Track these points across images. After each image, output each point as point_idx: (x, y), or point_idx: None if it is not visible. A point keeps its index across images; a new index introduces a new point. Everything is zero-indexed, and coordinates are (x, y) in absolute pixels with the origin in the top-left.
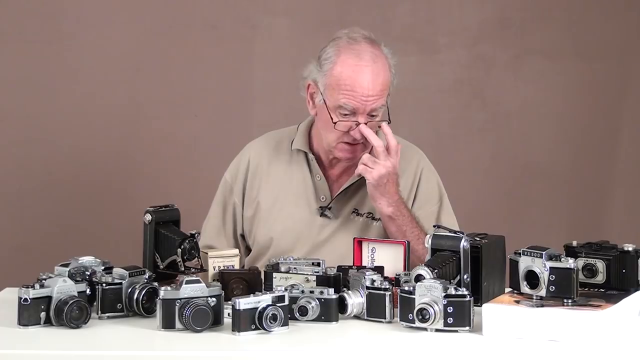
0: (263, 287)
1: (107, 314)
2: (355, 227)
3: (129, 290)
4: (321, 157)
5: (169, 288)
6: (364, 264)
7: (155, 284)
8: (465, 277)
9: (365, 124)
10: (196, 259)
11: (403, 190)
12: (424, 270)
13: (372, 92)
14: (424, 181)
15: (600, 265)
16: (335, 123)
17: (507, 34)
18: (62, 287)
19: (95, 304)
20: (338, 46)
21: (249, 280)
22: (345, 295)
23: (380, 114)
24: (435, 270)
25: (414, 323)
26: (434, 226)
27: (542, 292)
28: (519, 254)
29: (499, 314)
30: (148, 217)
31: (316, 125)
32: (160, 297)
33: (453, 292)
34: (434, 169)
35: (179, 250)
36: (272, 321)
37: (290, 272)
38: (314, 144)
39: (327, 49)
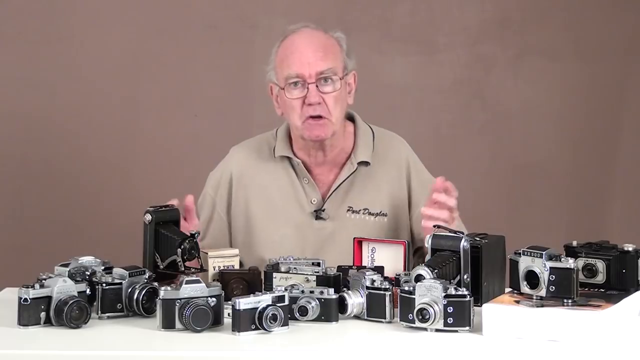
0: (263, 287)
1: (107, 314)
2: (353, 224)
3: (129, 290)
4: (305, 161)
5: (169, 288)
6: (364, 264)
7: (155, 284)
8: (465, 277)
9: (316, 86)
10: (196, 259)
11: (391, 180)
12: (424, 270)
13: (312, 53)
14: (414, 172)
15: (600, 265)
16: (287, 97)
17: (507, 34)
18: (62, 287)
19: (95, 304)
20: (278, 41)
21: (249, 280)
22: (345, 295)
23: (336, 86)
24: (435, 270)
25: (414, 323)
26: (434, 226)
27: (542, 292)
28: (519, 254)
29: (499, 314)
30: (148, 217)
31: (287, 122)
32: (160, 297)
33: (453, 292)
34: (417, 157)
35: (179, 250)
36: (272, 321)
37: (290, 272)
38: (295, 148)
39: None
